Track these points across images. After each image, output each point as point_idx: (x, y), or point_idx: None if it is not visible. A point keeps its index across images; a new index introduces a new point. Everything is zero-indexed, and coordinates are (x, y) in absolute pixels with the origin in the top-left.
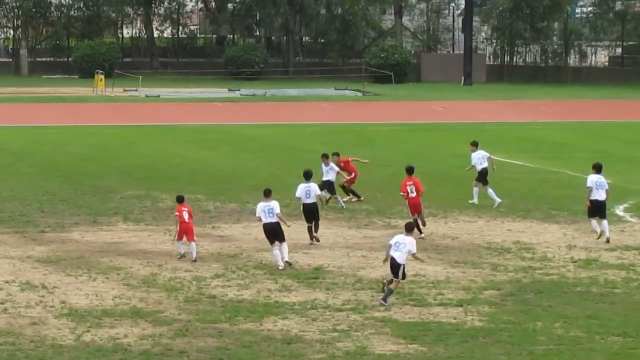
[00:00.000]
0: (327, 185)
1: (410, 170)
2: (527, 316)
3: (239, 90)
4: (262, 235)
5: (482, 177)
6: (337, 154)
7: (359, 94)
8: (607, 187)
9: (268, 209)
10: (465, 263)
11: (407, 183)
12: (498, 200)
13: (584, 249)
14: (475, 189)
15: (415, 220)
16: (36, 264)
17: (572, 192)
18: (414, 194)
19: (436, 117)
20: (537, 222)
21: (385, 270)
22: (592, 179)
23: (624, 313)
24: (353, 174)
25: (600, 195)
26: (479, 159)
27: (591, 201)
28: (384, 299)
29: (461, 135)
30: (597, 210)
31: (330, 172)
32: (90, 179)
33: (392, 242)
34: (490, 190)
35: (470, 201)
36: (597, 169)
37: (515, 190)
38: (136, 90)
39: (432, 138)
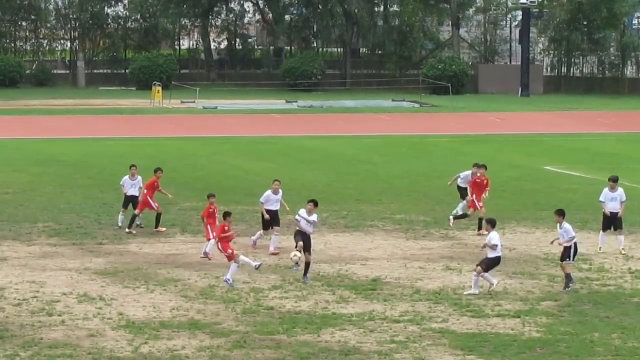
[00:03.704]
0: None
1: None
2: (584, 327)
3: (296, 101)
4: (320, 247)
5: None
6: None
7: (416, 105)
8: (624, 199)
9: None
10: (523, 274)
11: None
12: None
13: None
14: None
15: None
16: (93, 276)
17: (629, 203)
18: None
19: (493, 128)
20: (594, 233)
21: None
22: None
23: None
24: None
25: (615, 207)
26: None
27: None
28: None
29: (518, 146)
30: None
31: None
32: None
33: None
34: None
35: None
36: (613, 180)
37: (572, 201)
38: (193, 102)
39: (489, 149)
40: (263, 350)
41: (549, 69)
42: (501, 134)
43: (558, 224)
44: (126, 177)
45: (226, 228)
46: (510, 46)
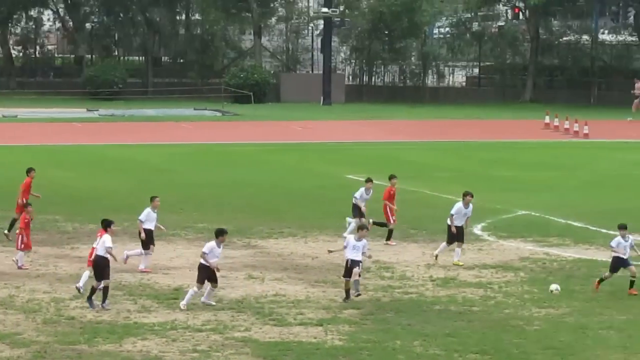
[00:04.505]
0: None
1: None
2: (386, 335)
3: (97, 110)
4: (121, 256)
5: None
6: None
7: (219, 114)
8: (470, 215)
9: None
10: (326, 282)
11: None
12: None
13: (443, 267)
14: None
15: None
16: None
17: (431, 211)
18: None
19: (296, 137)
20: (396, 242)
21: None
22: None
23: (481, 331)
24: None
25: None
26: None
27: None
28: None
29: (320, 155)
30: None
31: None
32: None
33: None
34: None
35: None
36: (471, 196)
37: (375, 209)
38: None
39: (292, 158)
40: None
41: (350, 77)
42: (304, 142)
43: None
44: None
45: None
46: (313, 55)
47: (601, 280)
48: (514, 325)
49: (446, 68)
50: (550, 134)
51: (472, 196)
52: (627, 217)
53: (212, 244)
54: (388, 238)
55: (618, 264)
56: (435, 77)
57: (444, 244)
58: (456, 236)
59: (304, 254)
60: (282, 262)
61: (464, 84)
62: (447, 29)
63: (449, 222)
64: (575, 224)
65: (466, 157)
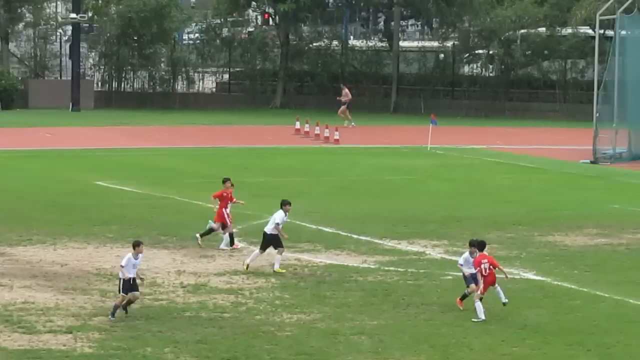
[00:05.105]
0: None
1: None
2: (137, 342)
3: None
4: None
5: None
6: None
7: None
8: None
9: None
10: (75, 289)
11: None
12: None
13: (193, 274)
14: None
15: None
16: None
17: (181, 217)
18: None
19: (44, 143)
20: (146, 248)
21: None
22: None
23: (233, 337)
24: None
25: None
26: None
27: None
28: None
29: (69, 161)
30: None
31: None
32: None
33: None
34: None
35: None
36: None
37: (124, 216)
38: None
39: (41, 165)
40: None
41: (100, 84)
42: (53, 149)
43: None
44: None
45: None
46: (61, 61)
47: (464, 296)
48: (266, 332)
49: (196, 74)
50: (301, 140)
51: (290, 205)
52: (378, 222)
53: None
54: (231, 243)
55: (469, 280)
56: (185, 83)
57: (257, 251)
58: (272, 243)
59: (53, 261)
60: (31, 270)
61: (214, 89)
62: (197, 34)
63: (270, 230)
64: (326, 229)
65: (217, 163)
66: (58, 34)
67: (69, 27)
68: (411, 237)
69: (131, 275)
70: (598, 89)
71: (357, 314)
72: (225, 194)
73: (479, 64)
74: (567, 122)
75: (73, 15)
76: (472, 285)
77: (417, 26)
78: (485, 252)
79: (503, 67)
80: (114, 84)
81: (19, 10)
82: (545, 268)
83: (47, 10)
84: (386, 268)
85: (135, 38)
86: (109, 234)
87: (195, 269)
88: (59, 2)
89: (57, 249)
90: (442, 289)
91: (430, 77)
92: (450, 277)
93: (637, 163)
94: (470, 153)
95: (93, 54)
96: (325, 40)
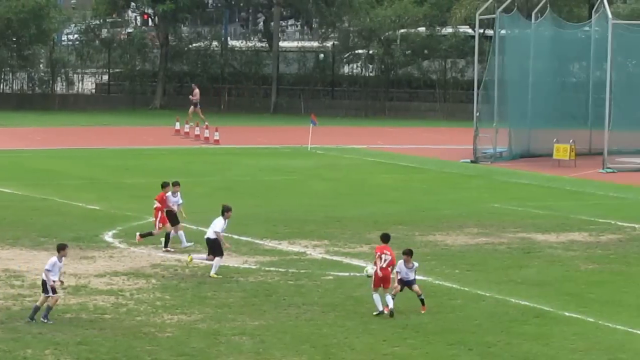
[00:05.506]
0: None
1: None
2: (17, 344)
3: None
4: None
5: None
6: None
7: None
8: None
9: None
10: None
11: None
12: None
13: (74, 275)
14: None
15: None
16: None
17: (62, 219)
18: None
19: None
20: (26, 250)
21: None
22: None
23: (113, 338)
24: None
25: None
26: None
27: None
28: None
29: None
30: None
31: None
32: None
33: None
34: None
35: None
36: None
37: (4, 218)
38: None
39: None
40: None
41: None
42: None
43: None
44: None
45: None
46: None
47: (422, 301)
48: (146, 333)
49: (76, 75)
50: (181, 141)
51: (231, 211)
52: (258, 222)
53: None
54: (166, 244)
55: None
56: (64, 84)
57: (217, 258)
58: (212, 247)
59: None
60: None
61: (93, 90)
62: (76, 35)
63: (211, 235)
64: (206, 230)
65: (96, 164)
66: None
67: None
68: (292, 237)
69: (55, 279)
70: (478, 88)
71: (238, 314)
72: (165, 197)
73: (359, 64)
74: (447, 121)
75: None
76: (416, 287)
77: (297, 26)
78: (389, 246)
79: (383, 66)
80: None
81: None
82: (426, 267)
83: None
84: (267, 268)
85: (14, 39)
86: None
87: (76, 271)
88: None
89: None
90: (323, 289)
91: (310, 77)
92: (331, 277)
93: (517, 162)
94: (351, 153)
95: None
96: (204, 41)
